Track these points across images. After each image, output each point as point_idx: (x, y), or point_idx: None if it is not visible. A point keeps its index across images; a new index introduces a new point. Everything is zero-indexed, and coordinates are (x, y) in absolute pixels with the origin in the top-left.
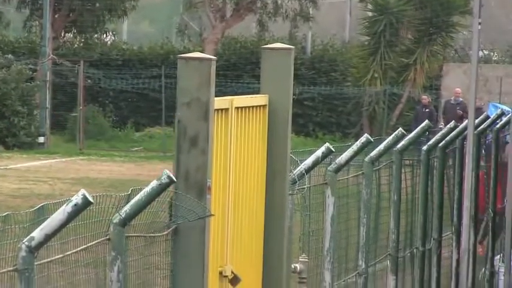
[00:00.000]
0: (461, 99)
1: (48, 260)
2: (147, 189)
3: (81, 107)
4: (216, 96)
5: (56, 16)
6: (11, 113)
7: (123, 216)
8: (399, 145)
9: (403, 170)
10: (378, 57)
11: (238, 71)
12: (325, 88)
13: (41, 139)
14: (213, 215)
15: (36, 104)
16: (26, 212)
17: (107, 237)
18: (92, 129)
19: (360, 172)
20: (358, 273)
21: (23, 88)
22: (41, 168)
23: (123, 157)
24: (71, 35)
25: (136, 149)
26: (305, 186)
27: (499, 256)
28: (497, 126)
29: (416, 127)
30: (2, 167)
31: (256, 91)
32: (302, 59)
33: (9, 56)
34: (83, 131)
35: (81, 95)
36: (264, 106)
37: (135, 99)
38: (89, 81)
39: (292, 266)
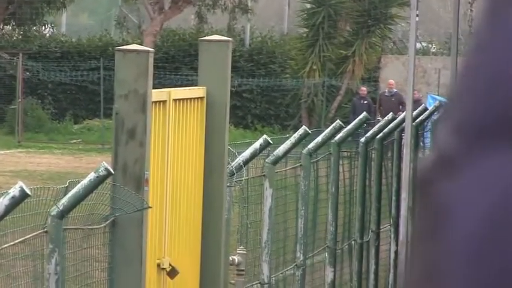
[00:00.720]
0: (395, 90)
1: None
2: (84, 181)
3: (19, 100)
4: (154, 88)
5: None
6: None
7: (60, 208)
8: (337, 137)
9: (341, 162)
10: (317, 49)
11: (177, 63)
12: (263, 80)
13: None
14: (151, 207)
15: None
16: None
17: (45, 229)
18: (30, 122)
19: (298, 164)
20: (296, 265)
21: None
22: None
23: (61, 149)
24: (10, 27)
25: (74, 141)
26: (243, 179)
27: None
28: (435, 117)
29: (355, 119)
30: None
31: (195, 83)
32: (241, 51)
33: None
34: (21, 123)
35: (20, 87)
36: (201, 98)
37: (73, 92)
38: (28, 73)
39: (230, 258)
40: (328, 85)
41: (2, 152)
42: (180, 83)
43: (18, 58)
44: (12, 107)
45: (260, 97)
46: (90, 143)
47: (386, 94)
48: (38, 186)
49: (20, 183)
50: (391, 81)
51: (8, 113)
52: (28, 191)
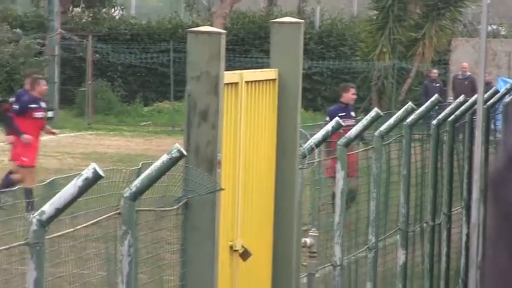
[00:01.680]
0: (469, 73)
1: (59, 234)
2: (157, 163)
3: (89, 82)
4: (225, 70)
5: None
6: (20, 87)
7: (133, 190)
8: (409, 119)
9: (412, 145)
10: (387, 31)
11: (247, 45)
12: (333, 62)
13: (50, 114)
14: (223, 189)
15: (45, 79)
16: (36, 186)
17: (118, 211)
18: (100, 104)
19: (370, 146)
20: (368, 247)
21: (31, 63)
22: (50, 143)
23: (131, 132)
24: (79, 10)
25: (144, 123)
26: (315, 161)
27: None
28: (507, 100)
29: (426, 101)
30: (10, 142)
31: (265, 66)
32: (310, 34)
33: (18, 30)
34: (91, 105)
35: (90, 69)
36: (273, 80)
37: (143, 74)
38: (97, 55)
39: (303, 241)
40: (398, 68)
41: (72, 134)
42: (249, 65)
43: (87, 40)
44: (82, 89)
45: (330, 80)
46: (160, 126)
47: (459, 77)
48: (108, 168)
49: (93, 165)
50: (465, 64)
51: (77, 95)
52: (101, 173)
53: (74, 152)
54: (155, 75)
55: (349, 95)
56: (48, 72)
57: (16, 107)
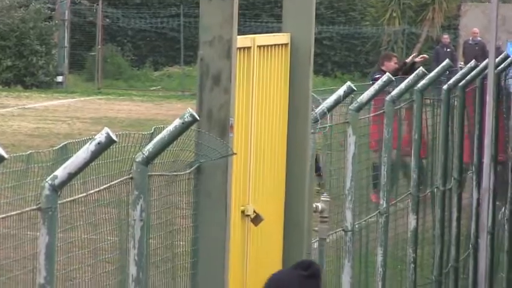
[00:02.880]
0: (479, 38)
1: (71, 198)
2: (170, 127)
3: (99, 46)
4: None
5: None
6: (29, 52)
7: (146, 154)
8: (420, 84)
9: (423, 109)
10: None
11: (257, 10)
12: (343, 27)
13: (59, 78)
14: (236, 153)
15: (55, 44)
16: (48, 150)
17: (130, 176)
18: (110, 69)
19: (381, 111)
20: (379, 212)
21: (41, 27)
22: (60, 108)
23: (141, 96)
24: None
25: (154, 88)
26: (327, 125)
27: None
28: None
29: (437, 67)
30: (20, 107)
31: (275, 30)
32: None
33: None
34: (101, 70)
35: (100, 34)
36: (285, 45)
37: (153, 39)
38: (107, 20)
39: (314, 205)
40: (408, 32)
41: (82, 98)
42: (259, 30)
43: (97, 5)
44: (92, 53)
45: (340, 44)
46: (170, 90)
47: (470, 42)
48: (119, 132)
49: (106, 129)
50: (476, 29)
51: (87, 60)
52: (114, 137)
53: (83, 116)
54: (165, 40)
55: (391, 64)
56: (58, 36)
57: None
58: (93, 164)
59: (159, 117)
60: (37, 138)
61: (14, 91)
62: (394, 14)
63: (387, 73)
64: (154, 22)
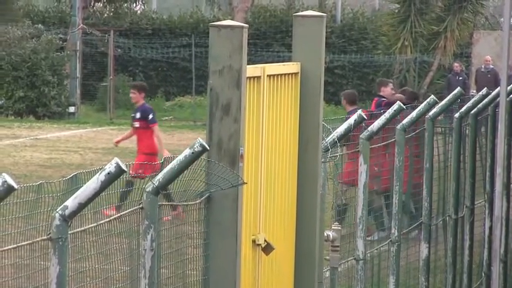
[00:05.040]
0: (491, 66)
1: (82, 229)
2: (180, 157)
3: (111, 77)
4: (247, 65)
5: None
6: (41, 82)
7: (156, 184)
8: (431, 112)
9: (435, 138)
10: (408, 25)
11: (268, 39)
12: (355, 56)
13: (71, 109)
14: (246, 183)
15: (67, 74)
16: (58, 181)
17: (140, 205)
18: (122, 99)
19: (392, 140)
20: (391, 241)
21: (53, 58)
22: (72, 138)
23: None
24: (101, 4)
25: (166, 118)
26: (337, 154)
27: None
28: None
29: (449, 95)
30: (32, 137)
31: (286, 60)
32: (332, 27)
33: (40, 26)
34: (113, 100)
35: (111, 64)
36: (296, 74)
37: (165, 69)
38: (119, 50)
39: (325, 234)
40: (420, 61)
41: (94, 129)
42: (271, 59)
43: (109, 35)
44: (104, 84)
45: (352, 73)
46: (181, 120)
47: (482, 70)
48: (130, 162)
49: (116, 159)
50: (488, 57)
51: (99, 90)
52: (124, 167)
53: (95, 147)
54: (177, 70)
55: (388, 89)
56: (70, 67)
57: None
58: (103, 194)
59: (171, 147)
60: (49, 168)
61: (26, 122)
62: (406, 43)
63: (398, 102)
64: (166, 52)
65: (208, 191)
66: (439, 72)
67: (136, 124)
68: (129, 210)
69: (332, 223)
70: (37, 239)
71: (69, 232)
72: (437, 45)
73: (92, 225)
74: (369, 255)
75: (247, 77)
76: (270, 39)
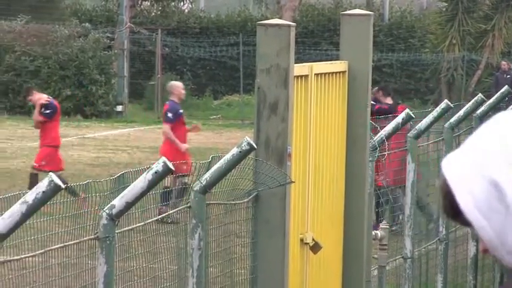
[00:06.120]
0: None
1: (129, 228)
2: (227, 156)
3: (158, 76)
4: (294, 63)
5: None
6: (88, 82)
7: (203, 183)
8: (479, 111)
9: None
10: (456, 23)
11: (316, 38)
12: (403, 55)
13: (119, 108)
14: (294, 181)
15: (114, 73)
16: (106, 180)
17: (188, 205)
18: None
19: (440, 138)
20: (439, 239)
21: (100, 57)
22: (119, 137)
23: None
24: (148, 3)
25: (214, 117)
26: (385, 153)
27: None
28: None
29: (496, 93)
30: (80, 136)
31: (335, 58)
32: (380, 26)
33: (87, 24)
34: (161, 99)
35: (159, 63)
36: (343, 72)
37: (212, 67)
38: (167, 49)
39: (373, 233)
40: (468, 59)
41: (142, 128)
42: (319, 58)
43: (157, 34)
44: (152, 83)
45: (400, 72)
46: (229, 119)
47: None
48: (178, 161)
49: (163, 158)
50: None
51: (147, 89)
52: (171, 166)
53: (143, 146)
54: (224, 69)
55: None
56: (117, 66)
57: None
58: (152, 192)
59: (219, 146)
60: (97, 167)
61: (74, 121)
62: (454, 41)
63: (446, 100)
64: (214, 51)
65: (256, 189)
66: (486, 71)
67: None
68: (177, 209)
69: (380, 222)
70: (84, 238)
71: (117, 231)
72: (484, 44)
73: (139, 224)
74: (416, 253)
75: (294, 76)
76: (318, 37)
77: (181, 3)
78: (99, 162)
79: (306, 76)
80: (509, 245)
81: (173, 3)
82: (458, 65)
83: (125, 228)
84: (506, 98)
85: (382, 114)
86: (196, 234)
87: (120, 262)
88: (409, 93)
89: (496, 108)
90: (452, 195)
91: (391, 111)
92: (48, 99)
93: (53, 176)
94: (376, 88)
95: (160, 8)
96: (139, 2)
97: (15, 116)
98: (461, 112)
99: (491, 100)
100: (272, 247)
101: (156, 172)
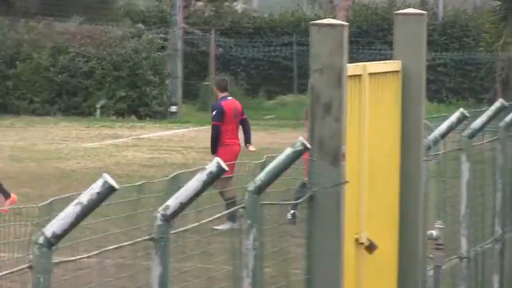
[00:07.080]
0: None
1: (184, 228)
2: (281, 156)
3: (213, 76)
4: (348, 63)
5: None
6: (142, 82)
7: (258, 184)
8: None
9: None
10: (510, 22)
11: (370, 37)
12: (457, 54)
13: (173, 108)
14: (348, 181)
15: (168, 73)
16: (160, 180)
17: (243, 205)
18: None
19: (495, 137)
20: (495, 239)
21: (154, 57)
22: (174, 138)
23: (255, 125)
24: (202, 4)
25: (268, 117)
26: (440, 152)
27: None
28: None
29: None
30: (134, 137)
31: (389, 58)
32: (434, 25)
33: (140, 25)
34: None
35: (213, 63)
36: (397, 72)
37: (266, 67)
38: (220, 49)
39: (428, 233)
40: None
41: (196, 128)
42: (373, 57)
43: (210, 34)
44: (205, 83)
45: (454, 71)
46: (283, 119)
47: None
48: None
49: (217, 159)
50: None
51: (201, 90)
52: (225, 167)
53: (197, 146)
54: (278, 69)
55: None
56: (171, 66)
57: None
58: (207, 193)
59: (274, 146)
60: (151, 168)
61: (128, 121)
62: (509, 40)
63: (500, 99)
64: (267, 51)
65: (310, 189)
66: None
67: None
68: (231, 209)
69: (435, 221)
70: (139, 239)
71: (171, 232)
72: None
73: (194, 224)
74: (473, 253)
75: (348, 76)
76: (372, 37)
77: (235, 3)
78: (154, 162)
79: (360, 76)
80: None
81: (227, 3)
82: None
83: (179, 229)
84: None
85: None
86: (250, 235)
87: (175, 263)
88: (463, 92)
89: None
90: None
91: None
92: None
93: (107, 177)
94: None
95: (213, 9)
96: (193, 3)
97: (70, 116)
98: None
99: None
100: (327, 247)
101: (210, 173)
